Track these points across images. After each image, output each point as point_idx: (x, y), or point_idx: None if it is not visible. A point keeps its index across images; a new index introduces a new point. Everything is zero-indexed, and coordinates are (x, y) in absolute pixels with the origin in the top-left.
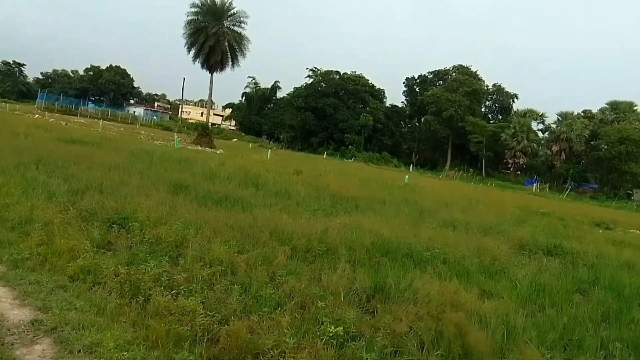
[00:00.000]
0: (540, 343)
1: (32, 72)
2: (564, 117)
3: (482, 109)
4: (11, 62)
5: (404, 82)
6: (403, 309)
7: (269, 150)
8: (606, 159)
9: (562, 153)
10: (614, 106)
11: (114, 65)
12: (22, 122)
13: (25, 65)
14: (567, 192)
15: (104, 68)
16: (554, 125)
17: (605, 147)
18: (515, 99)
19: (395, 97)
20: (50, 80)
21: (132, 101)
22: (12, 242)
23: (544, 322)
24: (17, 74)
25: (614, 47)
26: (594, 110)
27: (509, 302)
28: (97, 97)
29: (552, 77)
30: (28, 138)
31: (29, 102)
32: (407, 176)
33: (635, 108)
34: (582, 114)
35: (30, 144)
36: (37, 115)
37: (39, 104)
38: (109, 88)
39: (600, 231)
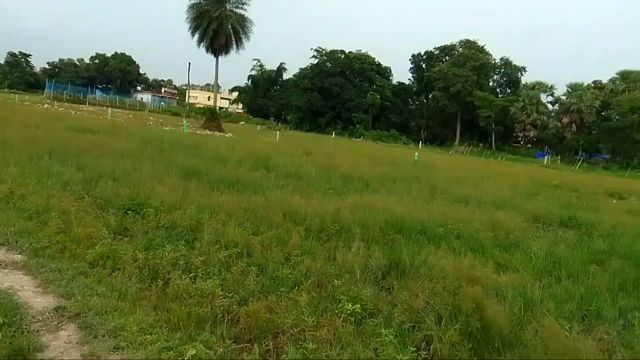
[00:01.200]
0: (559, 314)
1: (38, 63)
2: (573, 88)
3: (490, 83)
4: (17, 52)
5: (410, 59)
6: (419, 284)
7: (277, 132)
8: (618, 129)
9: (573, 125)
10: (625, 76)
11: (119, 52)
12: (32, 112)
13: (31, 55)
14: (579, 164)
15: (109, 56)
16: (563, 97)
17: (617, 117)
18: (523, 72)
19: (402, 74)
20: (57, 70)
21: (139, 88)
22: (30, 232)
23: (561, 293)
24: (24, 65)
25: (622, 16)
26: (604, 81)
27: (525, 274)
28: (104, 85)
29: (561, 49)
30: (39, 128)
31: (37, 93)
32: (416, 153)
33: None
34: (592, 84)
35: (42, 134)
36: (46, 105)
37: (48, 93)
38: (115, 75)
39: (615, 201)
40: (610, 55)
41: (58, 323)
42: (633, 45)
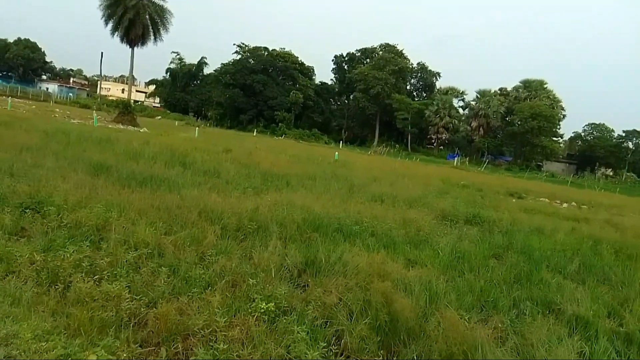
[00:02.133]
0: (459, 306)
1: None
2: (482, 94)
3: (408, 87)
4: None
5: (332, 60)
6: (333, 281)
7: (197, 128)
8: (520, 133)
9: (481, 128)
10: (527, 84)
11: (22, 38)
12: None
13: None
14: (484, 165)
15: (11, 41)
16: (473, 102)
17: (519, 122)
18: (438, 77)
19: (325, 74)
20: None
21: (44, 77)
22: None
23: (462, 286)
24: None
25: (525, 27)
26: (509, 88)
27: (432, 269)
28: (4, 73)
29: (472, 56)
30: None
31: None
32: (337, 153)
33: (545, 85)
34: (499, 91)
35: None
36: None
37: None
38: (17, 63)
39: (514, 200)
40: (514, 65)
41: None
42: (535, 56)
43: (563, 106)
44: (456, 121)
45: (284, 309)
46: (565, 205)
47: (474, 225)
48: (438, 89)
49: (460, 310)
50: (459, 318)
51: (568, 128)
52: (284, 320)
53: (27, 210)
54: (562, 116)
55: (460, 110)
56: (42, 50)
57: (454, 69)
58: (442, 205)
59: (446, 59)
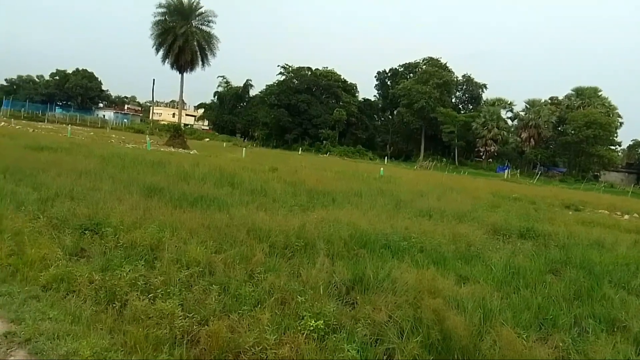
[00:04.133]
0: (516, 323)
1: None
2: (531, 104)
3: (453, 100)
4: None
5: (375, 76)
6: (382, 298)
7: (244, 148)
8: (574, 143)
9: (531, 139)
10: (579, 92)
11: (80, 68)
12: None
13: None
14: (537, 177)
15: (70, 72)
16: (522, 113)
17: (573, 131)
18: (484, 89)
19: (368, 91)
20: (15, 87)
21: (101, 105)
22: None
23: (518, 303)
24: None
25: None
26: (560, 97)
27: (485, 285)
28: (64, 102)
29: (518, 66)
30: None
31: None
32: (382, 168)
33: (599, 93)
34: (549, 100)
35: None
36: (2, 123)
37: (4, 111)
38: (76, 92)
39: (570, 212)
40: (565, 73)
41: (7, 349)
42: (586, 63)
43: (619, 113)
44: (505, 133)
45: (333, 326)
46: (626, 217)
47: (528, 240)
48: (485, 101)
49: (517, 328)
50: (516, 336)
51: (626, 136)
52: (334, 338)
53: (86, 232)
54: (619, 124)
55: (509, 122)
56: (99, 79)
57: (501, 80)
58: (493, 219)
59: (492, 70)
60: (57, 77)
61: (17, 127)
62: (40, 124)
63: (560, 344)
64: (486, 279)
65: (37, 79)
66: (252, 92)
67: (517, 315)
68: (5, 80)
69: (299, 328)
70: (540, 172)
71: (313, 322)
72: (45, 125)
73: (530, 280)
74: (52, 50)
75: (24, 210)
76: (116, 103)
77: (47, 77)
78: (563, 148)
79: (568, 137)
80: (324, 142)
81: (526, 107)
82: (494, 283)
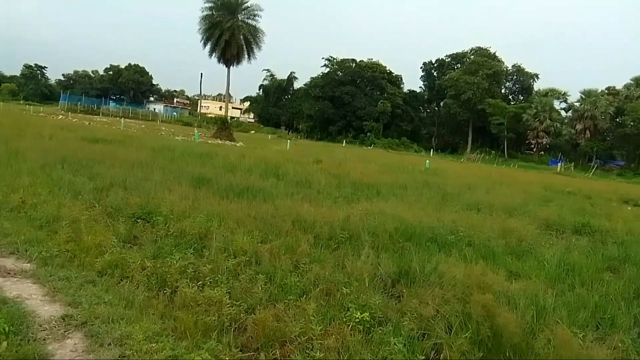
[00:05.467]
0: (572, 322)
1: (53, 75)
2: (587, 94)
3: (502, 90)
4: (33, 65)
5: (421, 67)
6: (429, 292)
7: (288, 140)
8: (633, 135)
9: (587, 131)
10: (639, 81)
11: (132, 64)
12: (46, 123)
13: (46, 68)
14: (593, 170)
15: (123, 67)
16: (577, 104)
17: (632, 123)
18: (536, 79)
19: (413, 82)
20: (72, 82)
21: (151, 98)
22: (40, 241)
23: (574, 301)
24: (40, 77)
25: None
26: (618, 87)
27: (538, 282)
28: (117, 96)
29: (573, 54)
30: (52, 139)
31: (52, 104)
32: (427, 161)
33: None
34: (606, 91)
35: (54, 145)
36: (60, 117)
37: (62, 105)
38: (129, 87)
39: (629, 208)
40: (624, 61)
41: (64, 331)
42: None
43: None
44: (558, 124)
45: (379, 319)
46: None
47: (584, 236)
48: (536, 91)
49: (573, 327)
50: (572, 336)
51: None
52: (380, 331)
53: (138, 220)
54: None
55: (563, 113)
56: (150, 74)
57: (554, 69)
58: (546, 214)
59: (545, 59)
60: (110, 72)
61: (74, 120)
62: (96, 117)
63: (620, 345)
64: (539, 276)
65: (92, 74)
66: (296, 85)
67: (573, 313)
68: (63, 75)
69: (345, 319)
70: (596, 166)
71: (359, 314)
72: (100, 118)
73: (587, 277)
74: (106, 46)
75: (81, 199)
76: (166, 97)
77: (101, 72)
78: (621, 140)
79: (627, 129)
80: (368, 134)
81: (581, 97)
82: (547, 280)
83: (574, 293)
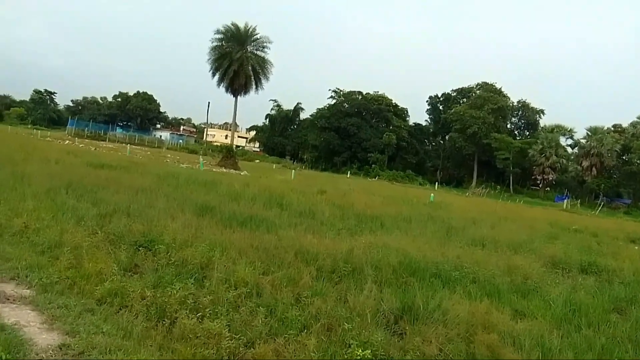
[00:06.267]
0: None
1: (63, 100)
2: (593, 131)
3: (508, 125)
4: (42, 90)
5: (427, 101)
6: (432, 330)
7: (293, 170)
8: None
9: (593, 168)
10: None
11: (141, 91)
12: (53, 148)
13: (56, 93)
14: (599, 208)
15: (131, 94)
16: (583, 141)
17: (639, 161)
18: (541, 115)
19: (419, 115)
20: (80, 107)
21: (158, 125)
22: (41, 266)
23: (580, 342)
24: (48, 102)
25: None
26: (625, 125)
27: (543, 322)
28: (125, 123)
29: (579, 92)
30: (58, 164)
31: (59, 129)
32: (432, 194)
33: None
34: (612, 128)
35: (60, 170)
36: (67, 142)
37: (70, 130)
38: (136, 113)
39: (637, 247)
40: (630, 98)
41: None
42: None
43: None
44: (564, 160)
45: (381, 357)
46: None
47: (590, 275)
48: (542, 127)
49: None
50: None
51: None
52: None
53: (140, 248)
54: None
55: (569, 149)
56: (157, 101)
57: (560, 105)
58: (552, 252)
59: (550, 95)
60: (119, 99)
61: (81, 145)
62: (102, 143)
63: None
64: (544, 315)
65: (100, 100)
66: (302, 116)
67: (579, 355)
68: (72, 101)
69: (346, 356)
70: (602, 203)
71: (360, 351)
72: (107, 144)
73: (593, 318)
74: (115, 73)
75: (84, 225)
76: (173, 124)
77: (109, 99)
78: (628, 178)
79: (633, 166)
80: (373, 165)
81: (587, 134)
82: (553, 320)
83: (581, 334)
